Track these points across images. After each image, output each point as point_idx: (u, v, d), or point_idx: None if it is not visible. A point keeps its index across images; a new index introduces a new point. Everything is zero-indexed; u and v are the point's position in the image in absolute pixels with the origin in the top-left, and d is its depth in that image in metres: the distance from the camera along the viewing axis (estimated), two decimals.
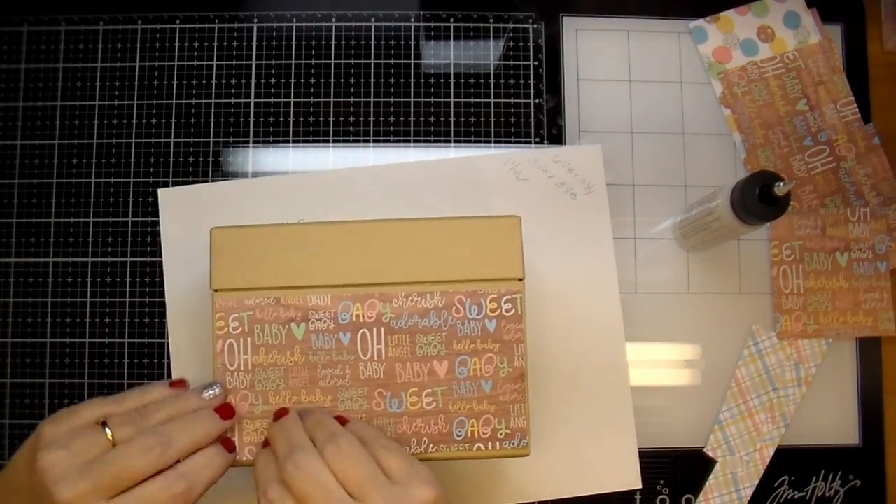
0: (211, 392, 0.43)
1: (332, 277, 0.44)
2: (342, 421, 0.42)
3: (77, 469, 0.37)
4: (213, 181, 0.56)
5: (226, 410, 0.43)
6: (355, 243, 0.45)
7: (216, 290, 0.44)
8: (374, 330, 0.44)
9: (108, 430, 0.39)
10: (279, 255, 0.44)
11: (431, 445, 0.45)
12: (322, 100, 0.57)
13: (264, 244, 0.44)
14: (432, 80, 0.57)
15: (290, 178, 0.55)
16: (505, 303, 0.45)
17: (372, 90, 0.57)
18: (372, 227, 0.45)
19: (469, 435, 0.45)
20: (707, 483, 0.54)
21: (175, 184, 0.56)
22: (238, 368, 0.44)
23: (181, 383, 0.45)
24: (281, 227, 0.45)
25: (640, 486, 0.53)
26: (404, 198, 0.55)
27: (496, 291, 0.45)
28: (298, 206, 0.55)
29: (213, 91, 0.57)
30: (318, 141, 0.57)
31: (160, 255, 0.55)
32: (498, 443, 0.45)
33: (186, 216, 0.55)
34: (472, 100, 0.57)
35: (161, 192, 0.55)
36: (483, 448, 0.45)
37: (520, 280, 0.45)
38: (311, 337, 0.44)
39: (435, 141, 0.57)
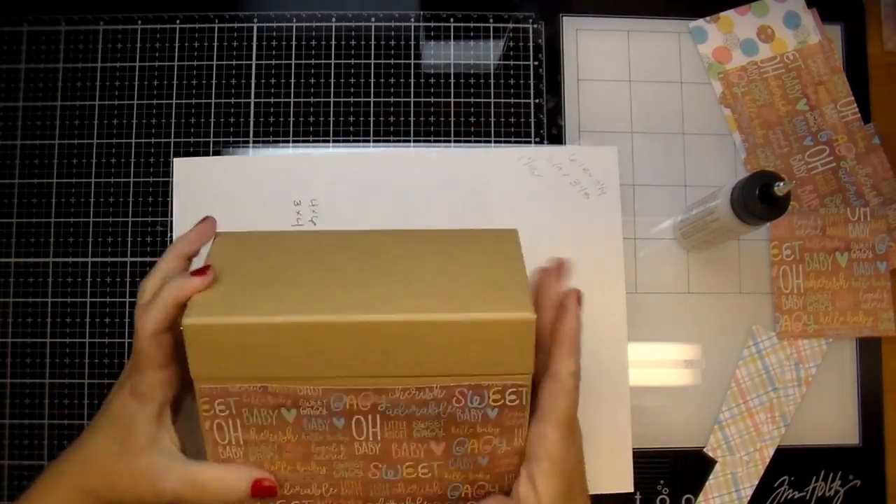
0: (185, 245, 0.45)
1: (323, 371, 0.41)
2: None
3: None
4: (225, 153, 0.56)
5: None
6: (347, 343, 0.40)
7: (196, 380, 0.41)
8: (370, 417, 0.42)
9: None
10: (264, 349, 0.40)
11: (425, 502, 0.45)
12: (322, 100, 0.57)
13: (246, 338, 0.40)
14: (432, 80, 0.57)
15: (305, 156, 0.55)
16: (510, 394, 0.41)
17: (372, 90, 0.57)
18: (364, 326, 0.40)
19: (463, 496, 0.45)
20: (707, 483, 0.54)
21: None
22: (230, 443, 0.42)
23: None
24: (262, 322, 0.39)
25: (632, 490, 0.53)
26: (415, 188, 0.55)
27: (501, 385, 0.41)
28: (312, 185, 0.55)
29: (213, 91, 0.57)
30: (318, 141, 0.57)
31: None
32: (491, 497, 0.44)
33: (200, 187, 0.55)
34: (472, 100, 0.57)
35: (176, 162, 0.55)
36: None
37: (527, 374, 0.41)
38: (304, 421, 0.42)
39: (435, 141, 0.57)
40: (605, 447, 0.53)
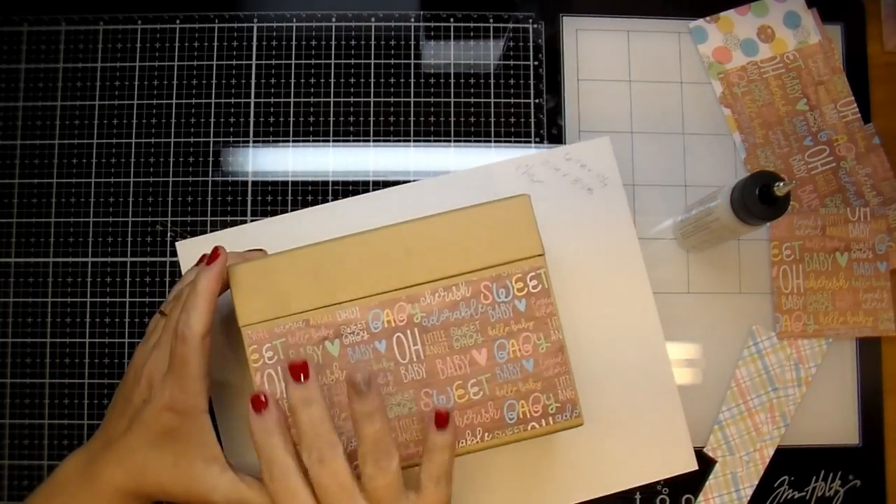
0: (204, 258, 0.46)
1: (356, 290, 0.44)
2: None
3: (154, 358, 0.44)
4: (230, 221, 0.56)
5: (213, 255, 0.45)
6: (372, 253, 0.45)
7: (244, 326, 0.44)
8: (408, 332, 0.44)
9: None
10: (300, 279, 0.44)
11: (487, 434, 0.45)
12: (322, 100, 0.57)
13: (283, 272, 0.44)
14: (432, 80, 0.57)
15: (308, 214, 0.55)
16: (531, 280, 0.45)
17: (372, 90, 0.57)
18: (385, 233, 0.45)
19: (521, 416, 0.45)
20: (707, 483, 0.54)
21: (174, 184, 0.56)
22: (282, 396, 0.44)
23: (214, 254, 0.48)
24: (295, 252, 0.45)
25: (696, 468, 0.53)
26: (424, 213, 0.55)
27: (520, 271, 0.45)
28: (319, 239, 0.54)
29: (213, 91, 0.57)
30: (318, 141, 0.57)
31: (160, 256, 0.55)
32: (550, 418, 0.45)
33: None
34: (472, 100, 0.57)
35: (179, 245, 0.55)
36: (537, 426, 0.45)
37: (540, 255, 0.45)
38: (348, 351, 0.44)
39: (435, 141, 0.57)
40: (663, 434, 0.53)
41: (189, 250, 0.55)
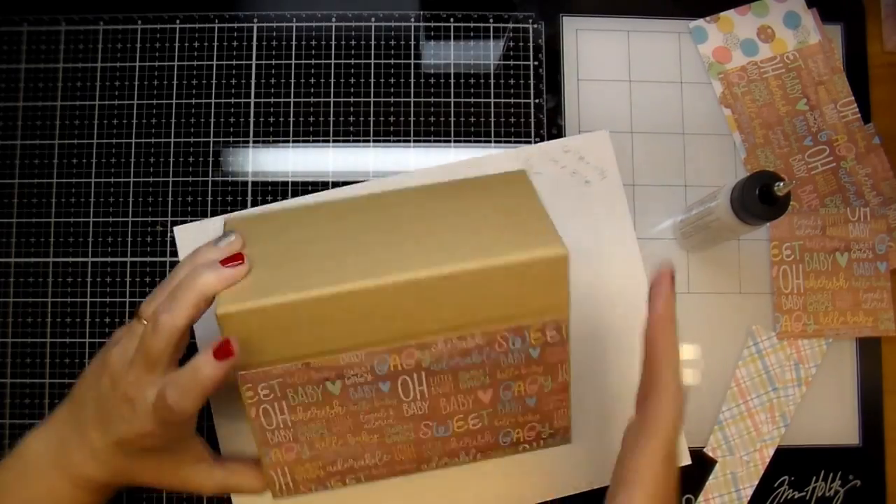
0: (225, 241, 0.41)
1: (362, 337, 0.40)
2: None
3: (126, 361, 0.41)
4: (221, 211, 0.56)
5: (234, 259, 0.40)
6: (384, 303, 0.39)
7: (239, 372, 0.40)
8: (415, 375, 0.41)
9: (143, 320, 0.42)
10: (301, 325, 0.39)
11: (479, 454, 0.45)
12: (322, 100, 0.57)
13: (282, 317, 0.39)
14: (432, 80, 0.57)
15: (305, 202, 0.54)
16: (549, 331, 0.42)
17: (372, 90, 0.57)
18: (400, 287, 0.39)
19: (515, 440, 0.45)
20: (707, 483, 0.54)
21: (174, 184, 0.56)
22: (278, 427, 0.42)
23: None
24: (298, 298, 0.39)
25: (689, 462, 0.53)
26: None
27: (541, 323, 0.41)
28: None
29: (213, 91, 0.57)
30: (318, 141, 0.57)
31: (160, 256, 0.55)
32: (542, 441, 0.45)
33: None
34: (472, 100, 0.57)
35: (178, 230, 0.54)
36: (528, 448, 0.45)
37: (566, 312, 0.41)
38: (349, 391, 0.41)
39: (435, 141, 0.57)
40: None
41: (188, 235, 0.54)
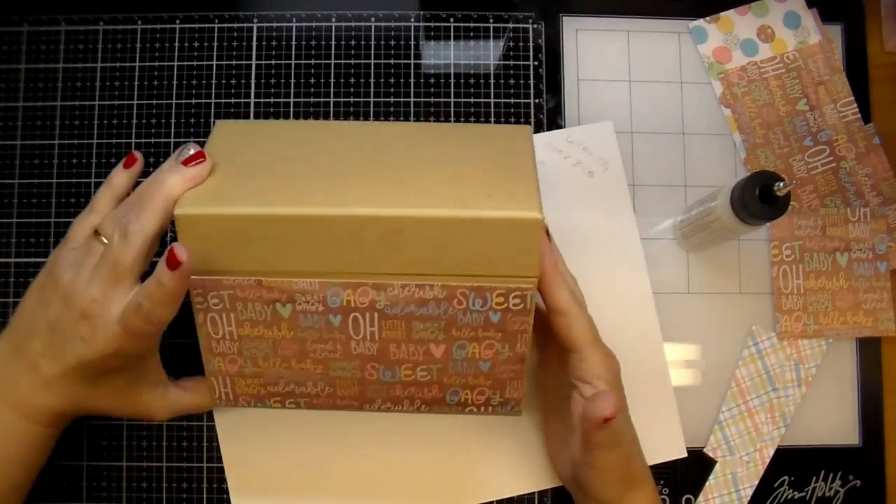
0: (184, 153, 0.40)
1: (319, 265, 0.40)
2: None
3: (84, 280, 0.40)
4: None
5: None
6: (345, 235, 0.39)
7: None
8: (367, 315, 0.41)
9: (102, 238, 0.41)
10: (258, 241, 0.39)
11: (424, 406, 0.44)
12: (322, 100, 0.57)
13: (240, 229, 0.39)
14: (432, 80, 0.57)
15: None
16: (513, 298, 0.40)
17: (372, 90, 0.57)
18: (364, 221, 0.38)
19: (462, 401, 0.44)
20: (707, 483, 0.54)
21: None
22: (223, 337, 0.42)
23: (131, 158, 0.45)
24: (258, 212, 0.38)
25: (685, 455, 0.53)
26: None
27: (504, 287, 0.40)
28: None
29: (213, 91, 0.57)
30: None
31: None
32: (491, 408, 0.44)
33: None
34: (472, 100, 0.57)
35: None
36: (475, 411, 0.44)
37: (534, 280, 0.40)
38: (299, 316, 0.41)
39: None
40: (653, 419, 0.53)
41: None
